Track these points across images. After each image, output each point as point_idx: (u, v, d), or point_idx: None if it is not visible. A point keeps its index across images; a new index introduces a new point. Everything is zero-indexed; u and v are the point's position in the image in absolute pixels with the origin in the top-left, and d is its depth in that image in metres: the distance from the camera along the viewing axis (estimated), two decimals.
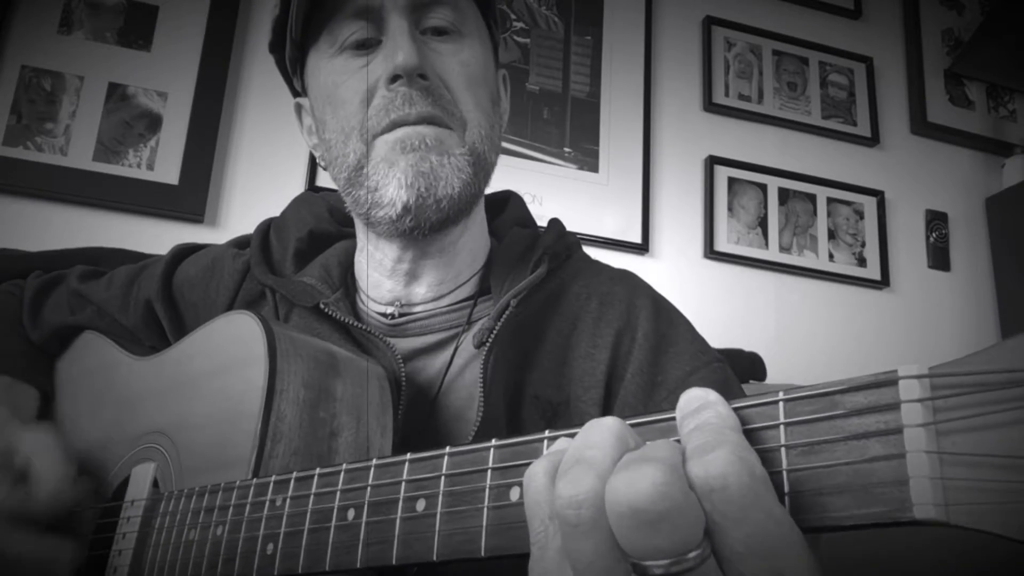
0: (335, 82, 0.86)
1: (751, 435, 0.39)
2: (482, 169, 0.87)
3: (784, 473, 0.37)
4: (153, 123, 2.00)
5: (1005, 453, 0.31)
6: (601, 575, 0.38)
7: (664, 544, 0.36)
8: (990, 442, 0.31)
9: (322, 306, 0.89)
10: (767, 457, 0.38)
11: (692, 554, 0.36)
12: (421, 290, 0.91)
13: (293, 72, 0.96)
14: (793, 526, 0.37)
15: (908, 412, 0.34)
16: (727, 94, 2.50)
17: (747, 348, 1.98)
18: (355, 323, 0.88)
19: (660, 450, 0.38)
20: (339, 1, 0.85)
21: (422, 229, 0.84)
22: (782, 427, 0.38)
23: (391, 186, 0.81)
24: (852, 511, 0.35)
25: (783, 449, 0.37)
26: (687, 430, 0.40)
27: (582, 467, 0.39)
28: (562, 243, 0.98)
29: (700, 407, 0.41)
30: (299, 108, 0.99)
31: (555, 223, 1.01)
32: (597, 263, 1.01)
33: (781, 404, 0.38)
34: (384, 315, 0.92)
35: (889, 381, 0.35)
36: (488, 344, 0.84)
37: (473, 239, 0.94)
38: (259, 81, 2.13)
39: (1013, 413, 0.31)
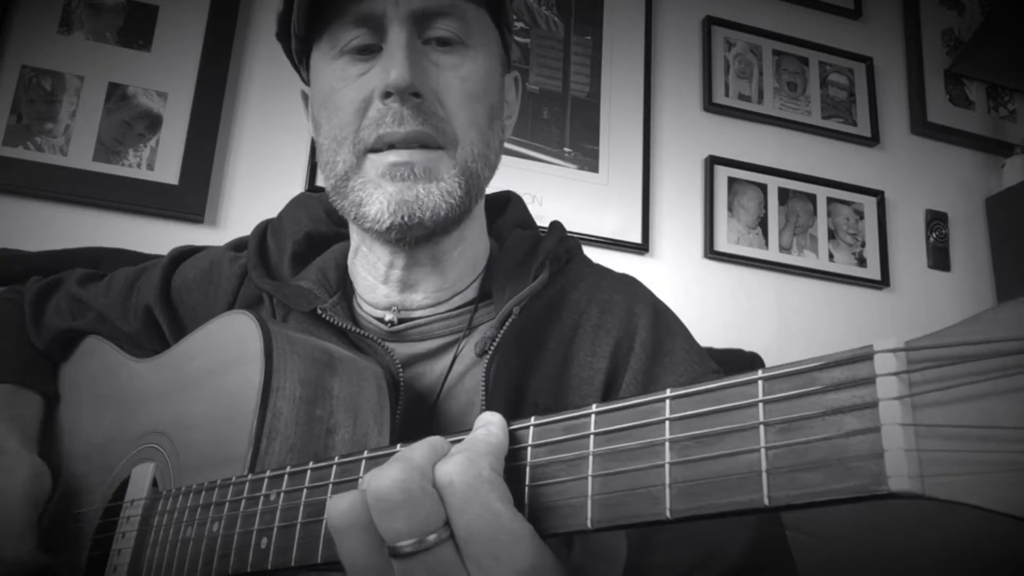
0: (332, 87, 0.85)
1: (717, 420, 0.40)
2: (474, 187, 0.86)
3: (762, 451, 0.37)
4: (153, 123, 2.00)
5: (982, 424, 0.31)
6: (367, 558, 0.48)
7: (402, 528, 0.46)
8: (967, 413, 0.31)
9: (319, 311, 0.89)
10: (744, 435, 0.38)
11: (431, 537, 0.46)
12: (418, 297, 0.91)
13: (299, 62, 0.95)
14: (514, 519, 0.46)
15: (883, 385, 0.34)
16: (727, 94, 2.50)
17: (747, 348, 1.99)
18: (353, 328, 0.88)
19: (413, 451, 0.49)
20: (341, 5, 0.84)
21: (408, 242, 0.85)
22: (760, 405, 0.38)
23: (374, 207, 0.82)
24: (829, 486, 0.35)
25: (761, 427, 0.38)
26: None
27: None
28: (563, 247, 0.97)
29: (481, 425, 0.51)
30: (305, 97, 0.99)
31: (556, 226, 1.01)
32: (598, 267, 1.01)
33: (760, 383, 0.38)
34: (382, 321, 0.92)
35: (865, 356, 0.35)
36: (490, 352, 0.84)
37: (471, 247, 0.93)
38: (259, 81, 2.13)
39: (990, 384, 0.31)
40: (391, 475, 0.46)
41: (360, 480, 0.55)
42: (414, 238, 0.85)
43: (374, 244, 0.90)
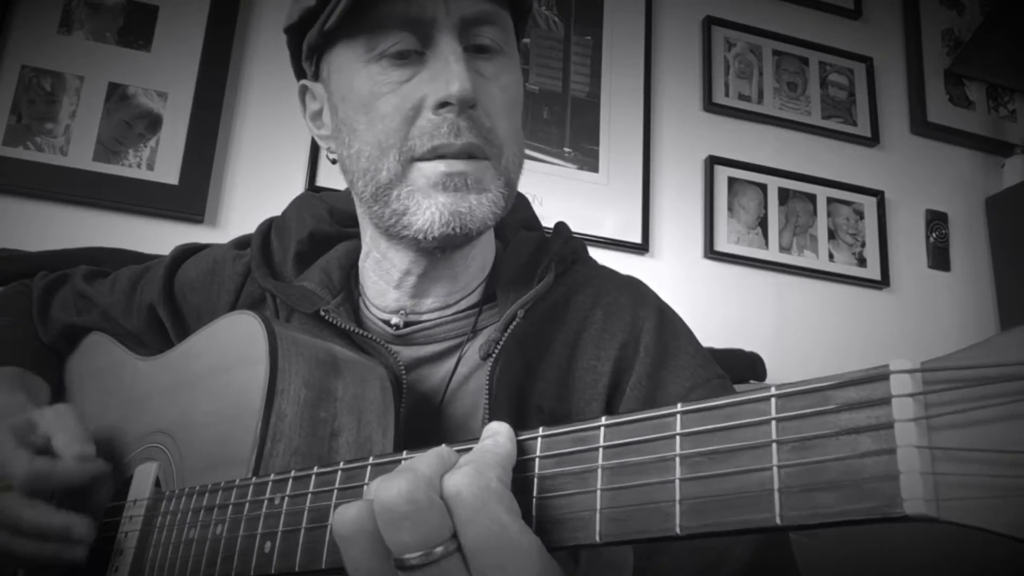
0: (374, 92, 0.82)
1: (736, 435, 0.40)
2: (511, 195, 0.86)
3: (775, 469, 0.37)
4: (153, 123, 1.99)
5: (998, 448, 0.30)
6: (373, 568, 0.48)
7: (408, 539, 0.46)
8: (983, 437, 0.31)
9: (322, 313, 0.89)
10: (756, 453, 0.38)
11: (438, 549, 0.45)
12: (428, 301, 0.91)
13: (308, 57, 0.91)
14: (522, 532, 0.46)
15: (899, 407, 0.34)
16: (727, 94, 2.50)
17: (747, 348, 1.99)
18: (356, 330, 0.88)
19: (420, 462, 0.48)
20: (387, 6, 0.80)
21: (444, 249, 0.85)
22: (773, 423, 0.38)
23: (423, 217, 0.81)
24: (842, 507, 0.35)
25: (774, 445, 0.37)
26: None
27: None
28: (568, 249, 0.97)
29: (488, 435, 0.50)
30: (304, 91, 0.95)
31: (561, 227, 1.00)
32: (603, 269, 1.01)
33: (773, 400, 0.38)
34: (388, 324, 0.91)
35: (880, 376, 0.35)
36: (494, 356, 0.83)
37: (482, 250, 0.93)
38: (259, 81, 2.12)
39: (1006, 407, 0.30)
40: (398, 486, 0.46)
41: (366, 488, 0.54)
42: (453, 245, 0.85)
43: (390, 250, 0.89)
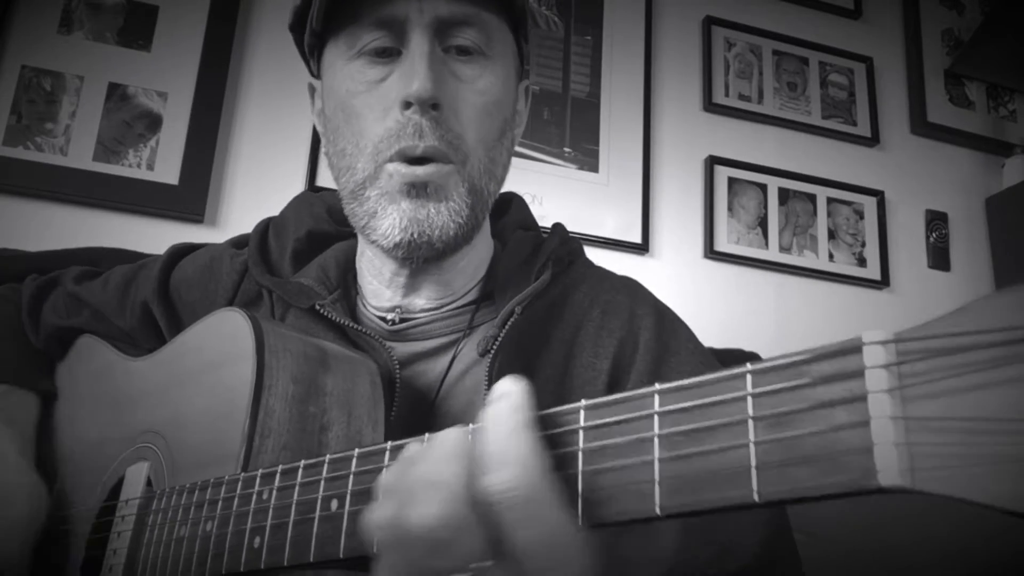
0: (350, 91, 0.84)
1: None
2: (480, 202, 0.86)
3: (751, 446, 0.37)
4: (153, 123, 2.00)
5: (972, 416, 0.30)
6: None
7: (446, 564, 0.43)
8: (957, 406, 0.31)
9: (318, 307, 0.89)
10: (733, 430, 0.38)
11: (473, 565, 0.42)
12: (421, 301, 0.91)
13: (310, 55, 0.94)
14: (571, 528, 0.42)
15: (872, 378, 0.33)
16: (727, 94, 2.50)
17: (747, 348, 1.98)
18: (351, 324, 0.88)
19: (441, 473, 0.45)
20: (362, 5, 0.83)
21: (415, 261, 0.86)
22: (749, 399, 0.38)
23: (386, 221, 0.82)
24: (818, 481, 0.34)
25: (750, 421, 0.37)
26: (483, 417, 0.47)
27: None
28: (565, 249, 0.97)
29: (497, 397, 0.48)
30: (312, 89, 0.98)
31: (559, 228, 1.00)
32: (600, 270, 1.01)
33: (748, 377, 0.38)
34: (384, 320, 0.92)
35: (854, 348, 0.34)
36: (492, 352, 0.83)
37: (476, 253, 0.93)
38: (259, 81, 2.13)
39: (980, 375, 0.30)
40: (432, 512, 0.44)
41: (376, 484, 0.53)
42: (421, 258, 0.85)
43: (378, 251, 0.90)
